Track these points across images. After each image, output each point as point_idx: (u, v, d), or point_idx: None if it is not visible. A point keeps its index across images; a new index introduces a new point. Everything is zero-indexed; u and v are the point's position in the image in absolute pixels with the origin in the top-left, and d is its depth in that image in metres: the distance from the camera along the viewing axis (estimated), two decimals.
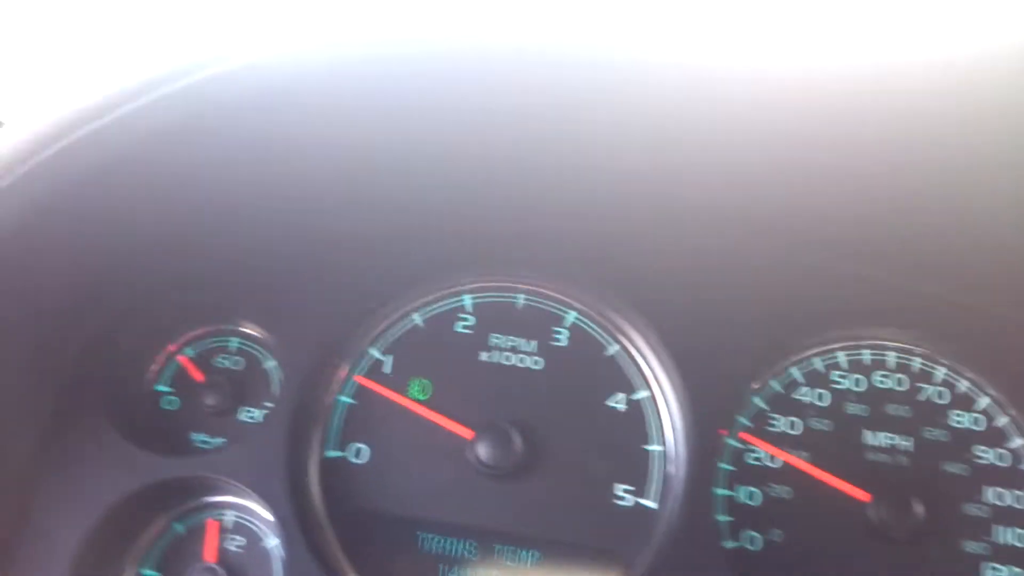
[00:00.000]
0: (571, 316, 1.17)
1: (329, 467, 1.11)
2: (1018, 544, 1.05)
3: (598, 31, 0.91)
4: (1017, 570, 1.05)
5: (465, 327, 1.17)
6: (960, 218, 1.02)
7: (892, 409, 1.10)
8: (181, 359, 1.17)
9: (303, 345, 1.14)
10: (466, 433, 1.09)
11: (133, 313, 1.16)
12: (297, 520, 1.04)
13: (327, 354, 1.14)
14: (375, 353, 1.16)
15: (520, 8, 0.89)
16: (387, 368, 1.15)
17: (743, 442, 1.09)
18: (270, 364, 1.16)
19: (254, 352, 1.17)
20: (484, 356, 1.15)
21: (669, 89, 0.95)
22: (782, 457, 1.08)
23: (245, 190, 1.11)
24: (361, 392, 1.14)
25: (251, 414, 1.14)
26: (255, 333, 1.17)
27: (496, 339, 1.16)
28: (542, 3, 0.89)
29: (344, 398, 1.14)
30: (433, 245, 1.19)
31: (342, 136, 1.03)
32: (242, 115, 0.94)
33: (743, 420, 1.10)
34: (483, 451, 1.07)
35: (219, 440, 1.13)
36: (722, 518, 1.07)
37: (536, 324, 1.17)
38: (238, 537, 1.10)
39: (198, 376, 1.16)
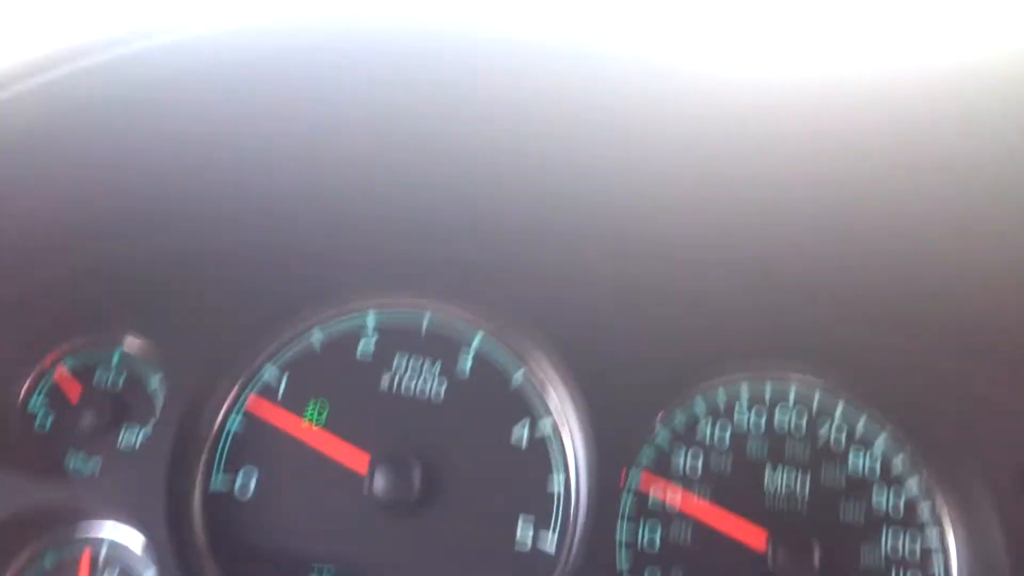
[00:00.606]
0: (477, 338, 1.12)
1: (214, 497, 1.05)
2: None
3: (512, 50, 0.85)
4: None
5: (367, 347, 1.11)
6: (867, 250, 1.01)
7: (791, 447, 1.09)
8: (57, 374, 1.08)
9: (191, 359, 1.07)
10: (362, 462, 1.04)
11: (3, 321, 1.06)
12: (175, 555, 0.98)
13: (217, 371, 1.07)
14: (270, 371, 1.09)
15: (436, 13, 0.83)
16: (282, 388, 1.09)
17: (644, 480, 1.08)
18: (154, 381, 1.08)
19: (136, 369, 1.09)
20: (386, 380, 1.10)
21: (585, 109, 0.90)
22: (678, 498, 1.06)
23: (139, 187, 1.02)
24: (251, 417, 1.08)
25: (132, 434, 1.06)
26: (139, 345, 1.09)
27: (399, 360, 1.11)
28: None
29: (234, 419, 1.07)
30: (339, 260, 1.13)
31: (248, 135, 0.96)
32: (148, 100, 0.86)
33: (647, 453, 1.08)
34: (380, 482, 1.03)
35: (96, 461, 1.05)
36: (622, 557, 1.05)
37: (441, 347, 1.12)
38: (112, 569, 1.03)
39: (74, 394, 1.07)
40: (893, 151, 0.86)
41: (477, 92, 0.90)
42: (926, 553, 1.07)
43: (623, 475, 1.07)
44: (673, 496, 1.07)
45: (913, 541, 1.07)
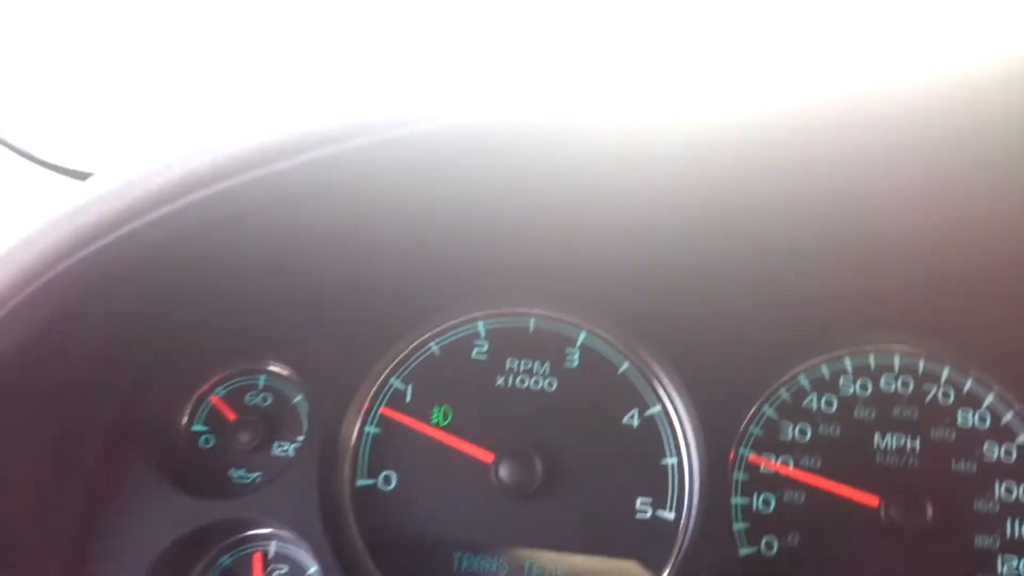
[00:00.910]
0: (582, 336, 1.21)
1: (361, 496, 1.17)
2: None
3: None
4: None
5: (480, 353, 1.22)
6: (954, 221, 1.04)
7: (899, 411, 1.13)
8: (213, 399, 1.23)
9: (327, 380, 1.19)
10: (487, 456, 1.14)
11: (164, 360, 1.21)
12: (333, 550, 1.09)
13: (350, 387, 1.19)
14: (396, 383, 1.21)
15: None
16: (408, 397, 1.20)
17: (755, 451, 1.13)
18: (298, 399, 1.21)
19: (281, 389, 1.23)
20: (500, 380, 1.20)
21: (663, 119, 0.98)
22: (787, 473, 1.11)
23: (275, 241, 1.16)
24: (385, 421, 1.19)
25: (284, 448, 1.20)
26: (281, 371, 1.22)
27: (511, 363, 1.21)
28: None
29: (370, 428, 1.19)
30: (447, 278, 1.23)
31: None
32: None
33: (754, 430, 1.14)
34: (506, 473, 1.12)
35: (256, 475, 1.19)
36: (739, 526, 1.11)
37: (548, 346, 1.21)
38: (282, 566, 1.16)
39: (230, 415, 1.21)
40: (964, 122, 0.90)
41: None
42: None
43: (732, 455, 1.13)
44: (784, 467, 1.13)
45: None
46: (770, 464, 1.12)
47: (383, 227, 1.16)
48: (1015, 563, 1.08)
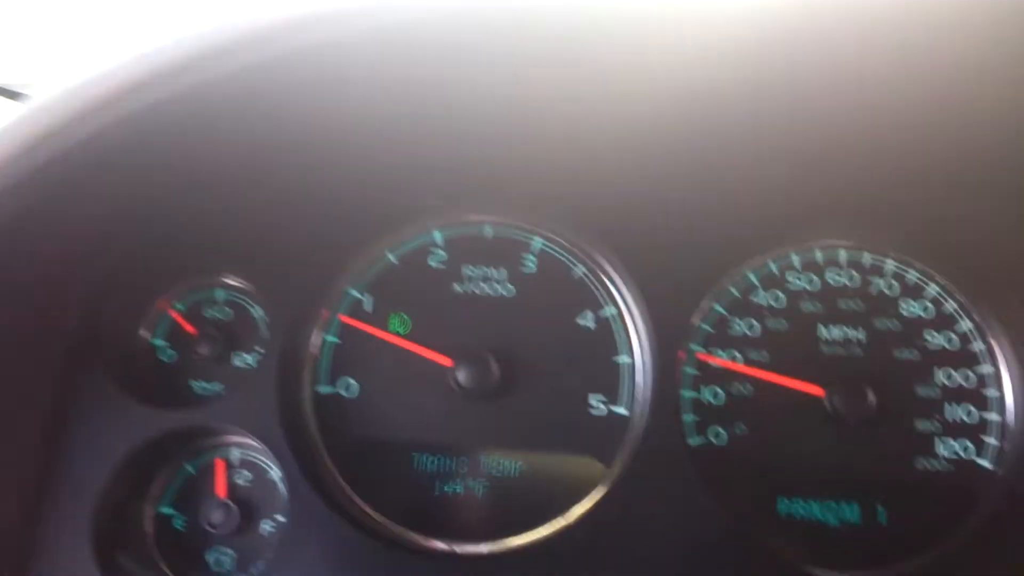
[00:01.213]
0: (538, 243, 1.22)
1: (322, 402, 1.19)
2: (967, 419, 1.13)
3: None
4: (967, 442, 1.13)
5: (438, 261, 1.23)
6: (895, 116, 1.05)
7: (845, 304, 1.16)
8: (172, 313, 1.24)
9: (285, 291, 1.20)
10: (446, 361, 1.17)
11: (123, 274, 1.22)
12: (295, 455, 1.12)
13: (309, 298, 1.21)
14: (355, 293, 1.22)
15: None
16: (367, 306, 1.22)
17: (706, 348, 1.16)
18: (257, 312, 1.23)
19: (241, 301, 1.24)
20: (458, 287, 1.22)
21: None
22: (735, 368, 1.15)
23: (229, 152, 1.15)
24: (345, 330, 1.21)
25: (244, 359, 1.21)
26: (239, 283, 1.23)
27: (468, 270, 1.22)
28: None
29: (330, 337, 1.21)
30: (402, 186, 1.23)
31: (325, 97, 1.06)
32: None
33: (704, 326, 1.17)
34: (463, 376, 1.15)
35: (217, 385, 1.21)
36: (688, 418, 1.14)
37: (505, 253, 1.23)
38: (245, 471, 1.18)
39: (190, 328, 1.23)
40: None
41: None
42: (980, 385, 1.14)
43: (682, 351, 1.16)
44: (732, 363, 1.16)
45: (966, 377, 1.14)
46: (718, 361, 1.16)
47: (335, 137, 1.16)
48: (953, 445, 1.13)
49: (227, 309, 1.24)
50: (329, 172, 1.21)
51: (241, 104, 1.03)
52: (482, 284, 1.22)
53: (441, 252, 1.23)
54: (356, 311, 1.22)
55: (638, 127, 1.16)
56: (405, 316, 1.21)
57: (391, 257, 1.23)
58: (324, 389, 1.19)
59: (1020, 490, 1.10)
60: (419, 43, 0.98)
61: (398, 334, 1.20)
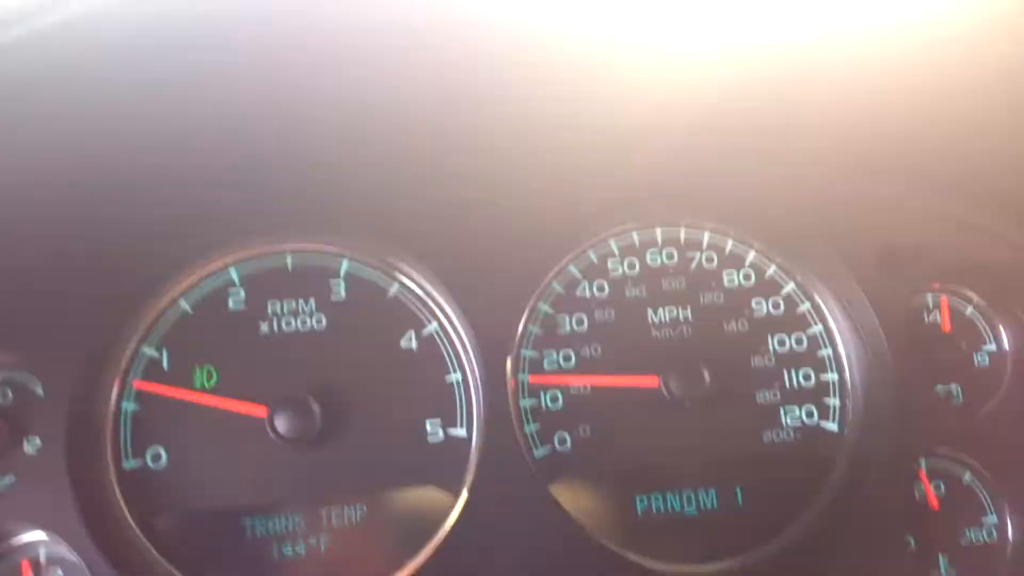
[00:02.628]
0: (344, 265, 1.12)
1: (130, 479, 1.06)
2: (806, 383, 1.12)
3: None
4: (810, 406, 1.11)
5: (237, 302, 1.12)
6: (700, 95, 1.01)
7: (668, 283, 1.12)
8: None
9: (64, 361, 1.06)
10: (260, 411, 1.06)
11: None
12: (96, 545, 1.00)
13: (93, 365, 1.07)
14: (148, 351, 1.09)
15: None
16: (164, 364, 1.09)
17: (537, 351, 1.10)
18: (39, 388, 1.08)
19: (20, 381, 1.09)
20: (264, 327, 1.11)
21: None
22: (563, 383, 1.10)
23: None
24: (142, 396, 1.08)
25: (36, 444, 1.07)
26: (8, 360, 1.08)
27: (273, 306, 1.11)
28: None
29: (127, 405, 1.08)
30: (185, 224, 1.11)
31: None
32: None
33: (533, 329, 1.11)
34: (281, 424, 1.04)
35: (7, 478, 1.06)
36: (530, 428, 1.09)
37: (311, 282, 1.12)
38: (57, 570, 1.05)
39: None
40: None
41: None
42: (813, 346, 1.12)
43: (513, 358, 1.10)
44: (565, 363, 1.11)
45: (799, 340, 1.12)
46: (545, 379, 1.10)
47: (99, 167, 1.02)
48: (797, 412, 1.11)
49: (6, 391, 1.09)
50: (94, 215, 1.07)
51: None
52: (291, 319, 1.11)
53: (240, 291, 1.12)
54: (152, 371, 1.09)
55: (431, 131, 1.08)
56: (211, 368, 1.09)
57: (184, 305, 1.11)
58: (129, 464, 1.06)
59: (867, 448, 1.09)
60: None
61: (204, 390, 1.09)
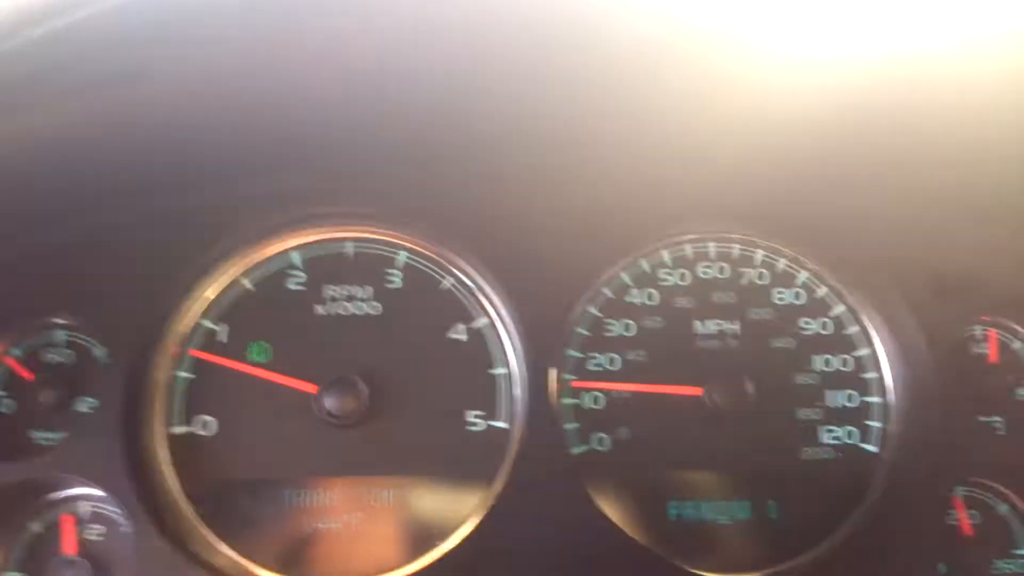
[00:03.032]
0: (402, 256, 1.16)
1: (177, 444, 1.09)
2: (849, 404, 1.12)
3: None
4: (851, 428, 1.11)
5: (297, 283, 1.15)
6: (761, 107, 1.03)
7: (718, 297, 1.14)
8: (7, 361, 1.13)
9: (126, 328, 1.10)
10: (310, 388, 1.09)
11: None
12: (143, 504, 1.02)
13: (153, 333, 1.11)
14: (208, 324, 1.13)
15: None
16: (223, 337, 1.13)
17: (583, 352, 1.12)
18: (101, 352, 1.12)
19: (83, 342, 1.13)
20: (320, 309, 1.14)
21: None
22: (608, 388, 1.11)
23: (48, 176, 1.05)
24: (199, 365, 1.12)
25: (89, 403, 1.10)
26: (74, 323, 1.13)
27: (330, 291, 1.15)
28: None
29: (182, 373, 1.12)
30: (253, 206, 1.16)
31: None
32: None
33: (580, 330, 1.13)
34: (330, 403, 1.07)
35: (59, 434, 1.09)
36: (570, 426, 1.10)
37: (369, 269, 1.16)
38: (97, 526, 1.09)
39: (27, 374, 1.11)
40: None
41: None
42: (858, 368, 1.12)
43: (559, 358, 1.12)
44: (610, 366, 1.12)
45: (844, 362, 1.13)
46: (589, 385, 1.11)
47: (170, 148, 1.07)
48: (837, 431, 1.11)
49: (68, 351, 1.13)
50: (166, 192, 1.12)
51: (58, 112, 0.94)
52: (346, 304, 1.14)
53: (300, 274, 1.16)
54: (210, 343, 1.13)
55: (500, 131, 1.11)
56: (265, 344, 1.13)
57: (246, 283, 1.15)
58: (178, 429, 1.10)
59: (905, 472, 1.08)
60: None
61: (258, 364, 1.12)
